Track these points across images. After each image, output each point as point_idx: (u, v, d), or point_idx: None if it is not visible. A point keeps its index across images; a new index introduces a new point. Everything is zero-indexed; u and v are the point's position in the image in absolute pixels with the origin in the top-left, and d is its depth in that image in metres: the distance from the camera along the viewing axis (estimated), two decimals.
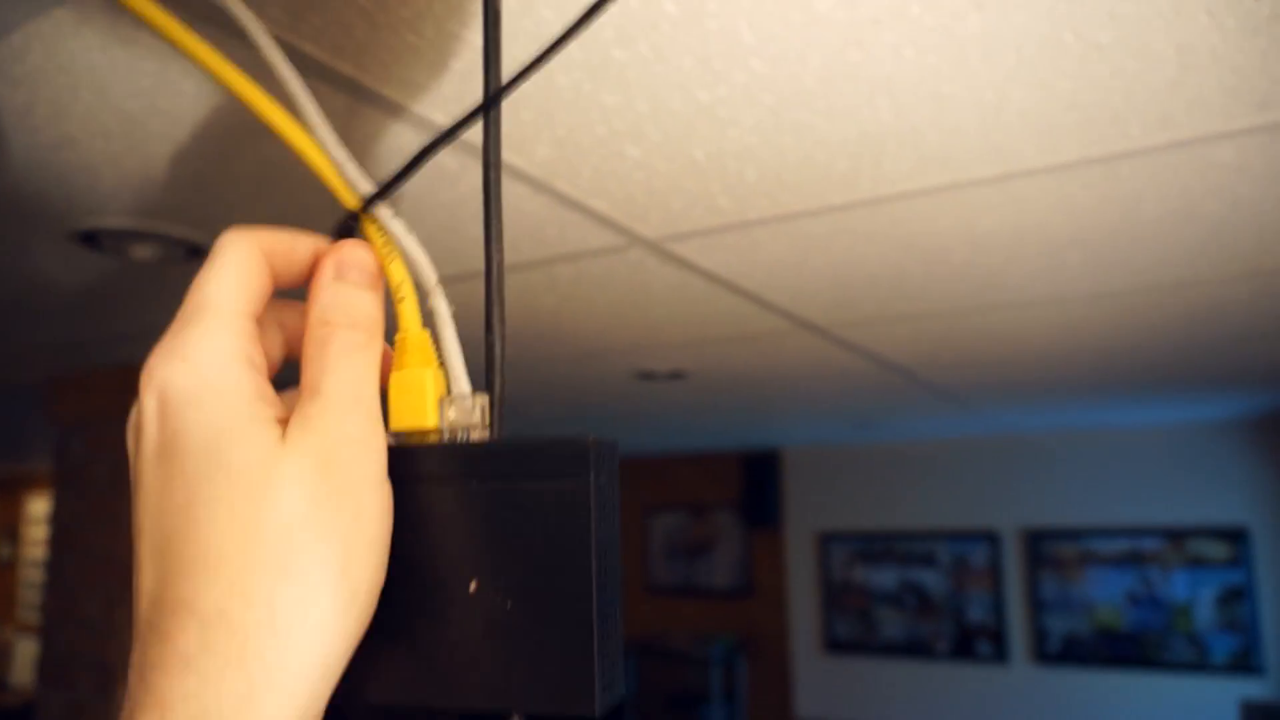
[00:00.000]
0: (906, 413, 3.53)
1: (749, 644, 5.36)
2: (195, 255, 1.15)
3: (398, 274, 0.40)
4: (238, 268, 0.36)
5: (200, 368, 0.34)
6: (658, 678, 5.46)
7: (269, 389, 0.36)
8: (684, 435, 4.49)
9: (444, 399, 0.39)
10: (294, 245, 0.38)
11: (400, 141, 0.84)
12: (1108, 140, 0.87)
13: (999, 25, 0.66)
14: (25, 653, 6.60)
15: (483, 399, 0.39)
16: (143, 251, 1.09)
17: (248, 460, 0.33)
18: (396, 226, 0.41)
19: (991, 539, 4.82)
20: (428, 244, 1.14)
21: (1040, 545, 4.69)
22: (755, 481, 5.35)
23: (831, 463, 5.25)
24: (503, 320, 0.41)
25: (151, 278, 1.30)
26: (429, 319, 0.41)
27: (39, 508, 6.88)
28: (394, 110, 0.77)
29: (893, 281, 1.40)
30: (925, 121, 0.82)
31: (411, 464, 0.36)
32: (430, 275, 0.41)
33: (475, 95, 0.75)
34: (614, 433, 4.15)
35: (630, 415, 3.24)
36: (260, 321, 0.38)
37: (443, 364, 0.40)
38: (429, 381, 0.38)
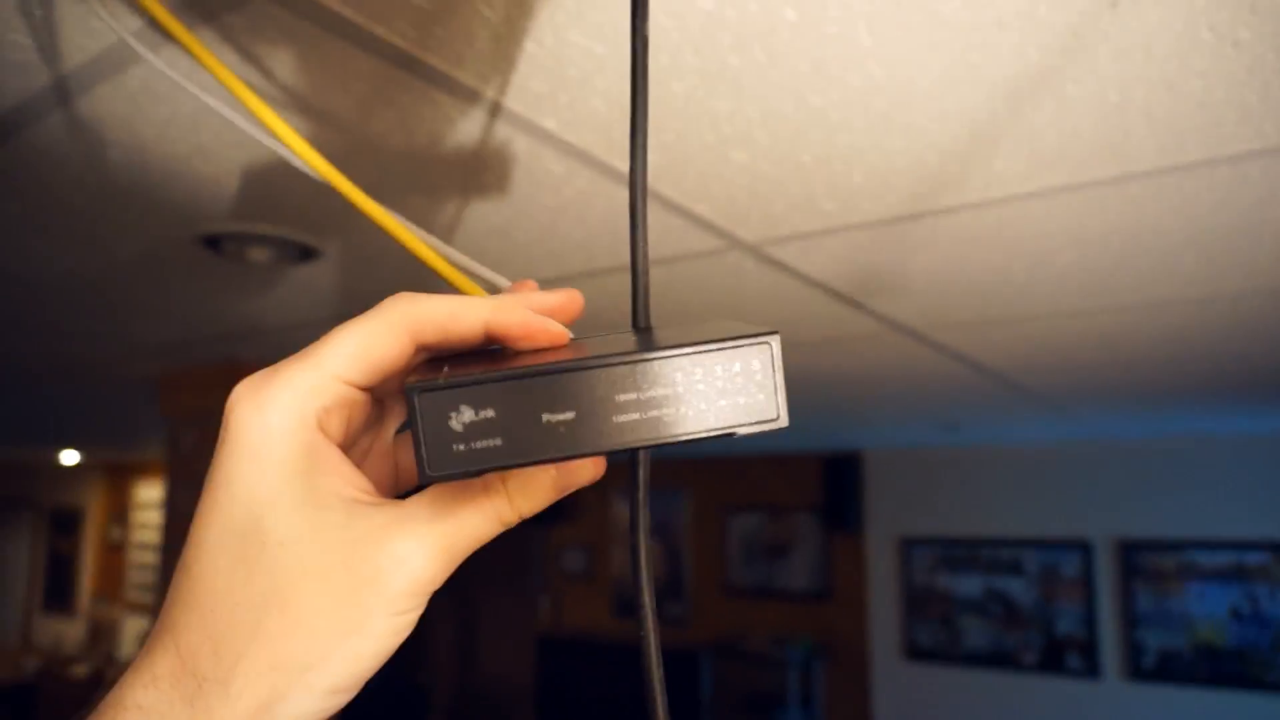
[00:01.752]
0: (997, 416, 3.43)
1: (827, 648, 5.29)
2: (308, 256, 1.19)
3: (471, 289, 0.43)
4: (367, 334, 0.36)
5: (265, 414, 0.35)
6: (735, 678, 5.43)
7: (332, 455, 0.36)
8: (765, 436, 4.46)
9: None
10: (456, 315, 0.37)
11: (515, 148, 0.86)
12: (1237, 139, 0.84)
13: (1132, 23, 0.64)
14: (132, 630, 6.95)
15: None
16: (259, 254, 1.14)
17: (255, 521, 0.34)
18: None
19: (1083, 548, 4.65)
20: (529, 247, 1.16)
21: (1135, 556, 4.51)
22: (835, 484, 5.28)
23: (915, 466, 5.15)
24: (647, 307, 0.43)
25: (263, 278, 1.35)
26: None
27: (147, 493, 7.24)
28: (511, 118, 0.79)
29: (994, 285, 1.36)
30: (1044, 123, 0.80)
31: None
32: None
33: (589, 104, 0.76)
34: None
35: None
36: (379, 394, 0.38)
37: None
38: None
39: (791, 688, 5.06)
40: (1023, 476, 4.85)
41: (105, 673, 6.60)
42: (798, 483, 5.56)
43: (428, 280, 1.29)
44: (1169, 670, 4.38)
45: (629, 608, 6.17)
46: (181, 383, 2.30)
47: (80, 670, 6.80)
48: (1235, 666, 4.25)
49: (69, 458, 6.59)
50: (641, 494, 0.42)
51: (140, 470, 7.34)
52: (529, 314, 0.37)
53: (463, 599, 6.93)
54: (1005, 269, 1.28)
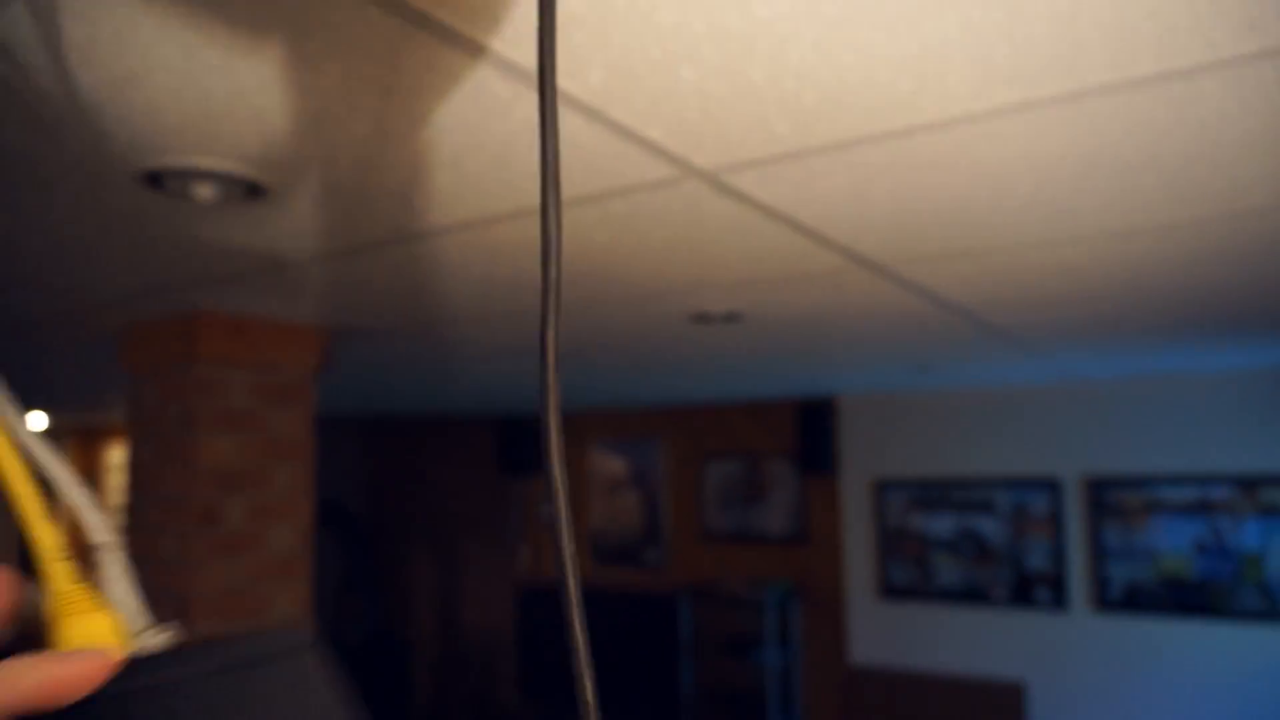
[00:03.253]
0: (966, 357, 3.46)
1: (803, 590, 5.39)
2: (254, 194, 1.16)
3: (47, 538, 0.39)
4: None
5: None
6: (713, 621, 5.53)
7: None
8: (739, 382, 4.47)
9: (131, 635, 0.39)
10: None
11: (456, 67, 0.83)
12: (1190, 51, 0.83)
13: None
14: None
15: (167, 631, 0.39)
16: (204, 191, 1.11)
17: None
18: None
19: (1053, 486, 4.73)
20: (479, 181, 1.14)
21: (1104, 493, 4.60)
22: (810, 429, 5.32)
23: (888, 410, 5.20)
24: (559, 259, 0.41)
25: (212, 220, 1.32)
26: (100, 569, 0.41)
27: (117, 456, 7.18)
28: (450, 37, 0.76)
29: (956, 213, 1.36)
30: (995, 34, 0.78)
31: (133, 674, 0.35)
32: (100, 530, 0.41)
33: (529, 18, 0.73)
34: (669, 379, 4.16)
35: (685, 361, 3.23)
36: None
37: (117, 607, 0.39)
38: (107, 624, 0.38)
39: (769, 628, 5.15)
40: (993, 418, 4.91)
41: None
42: (773, 429, 5.60)
43: (377, 212, 1.27)
44: (1135, 601, 4.49)
45: (610, 555, 6.23)
46: (141, 336, 2.26)
47: None
48: (1199, 597, 4.37)
49: (37, 422, 6.50)
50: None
51: (109, 433, 7.27)
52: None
53: (443, 552, 6.98)
54: (966, 197, 1.27)
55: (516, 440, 6.47)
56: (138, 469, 2.25)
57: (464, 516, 6.94)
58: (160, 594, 2.10)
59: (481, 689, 6.60)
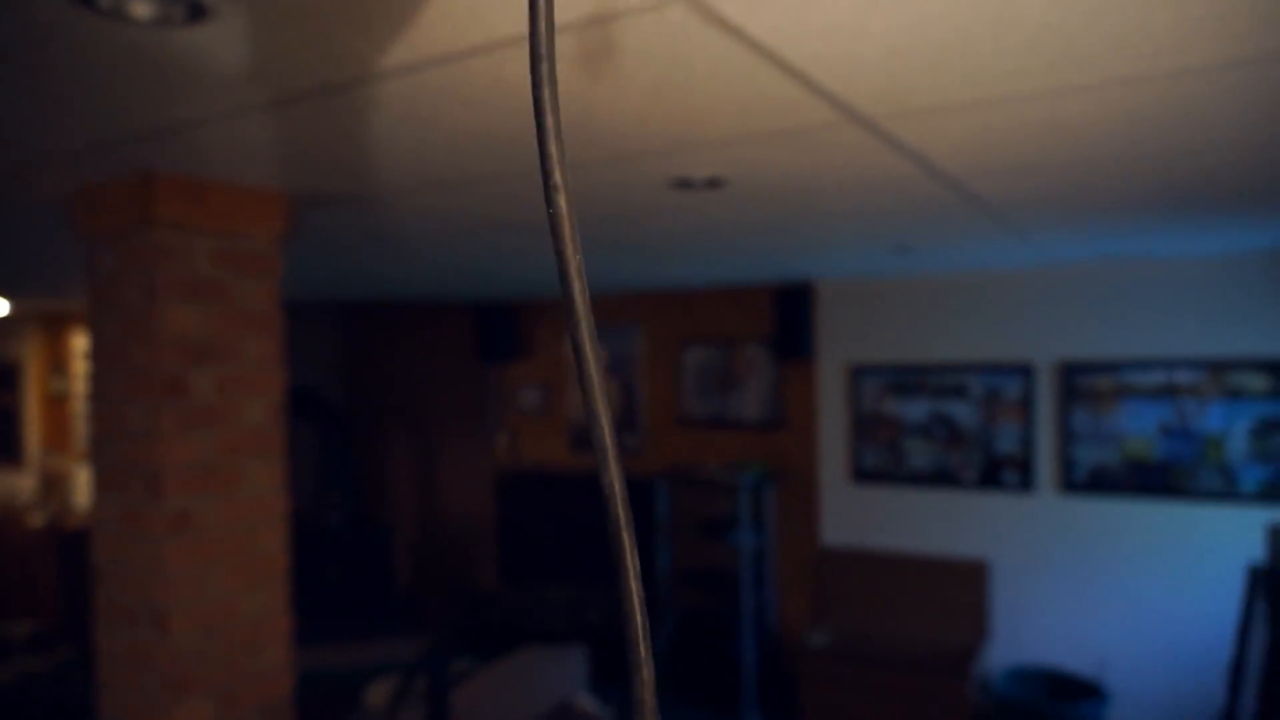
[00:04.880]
0: (947, 235, 3.41)
1: (778, 474, 5.47)
2: (197, 16, 1.06)
3: None
4: None
5: None
6: (689, 504, 5.62)
7: None
8: (718, 265, 4.41)
9: None
10: None
11: None
12: None
13: None
14: (83, 479, 6.93)
15: None
16: (140, 7, 1.00)
17: None
18: None
19: (1025, 371, 4.78)
20: (448, 2, 1.03)
21: (1074, 378, 4.65)
22: (787, 314, 5.30)
23: (865, 296, 5.17)
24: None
25: (155, 49, 1.21)
26: None
27: (81, 344, 7.04)
28: None
29: (957, 52, 1.28)
30: None
31: None
32: None
33: None
34: (648, 261, 4.08)
35: (665, 234, 3.15)
36: None
37: None
38: None
39: (744, 510, 5.25)
40: (969, 304, 4.90)
41: (61, 521, 6.61)
42: (750, 314, 5.58)
43: (335, 40, 1.17)
44: (1099, 483, 4.61)
45: (586, 442, 6.28)
46: (96, 199, 2.15)
47: (36, 519, 6.80)
48: (1161, 478, 4.48)
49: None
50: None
51: (75, 320, 7.12)
52: None
53: (421, 439, 7.00)
54: (968, 29, 1.19)
55: (494, 327, 6.41)
56: (100, 340, 2.18)
57: (442, 403, 6.93)
58: (131, 468, 2.06)
59: (461, 571, 6.74)
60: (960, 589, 4.90)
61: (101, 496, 2.14)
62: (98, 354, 2.18)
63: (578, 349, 0.43)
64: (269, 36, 1.15)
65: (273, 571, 2.17)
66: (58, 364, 7.35)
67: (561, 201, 0.42)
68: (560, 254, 0.44)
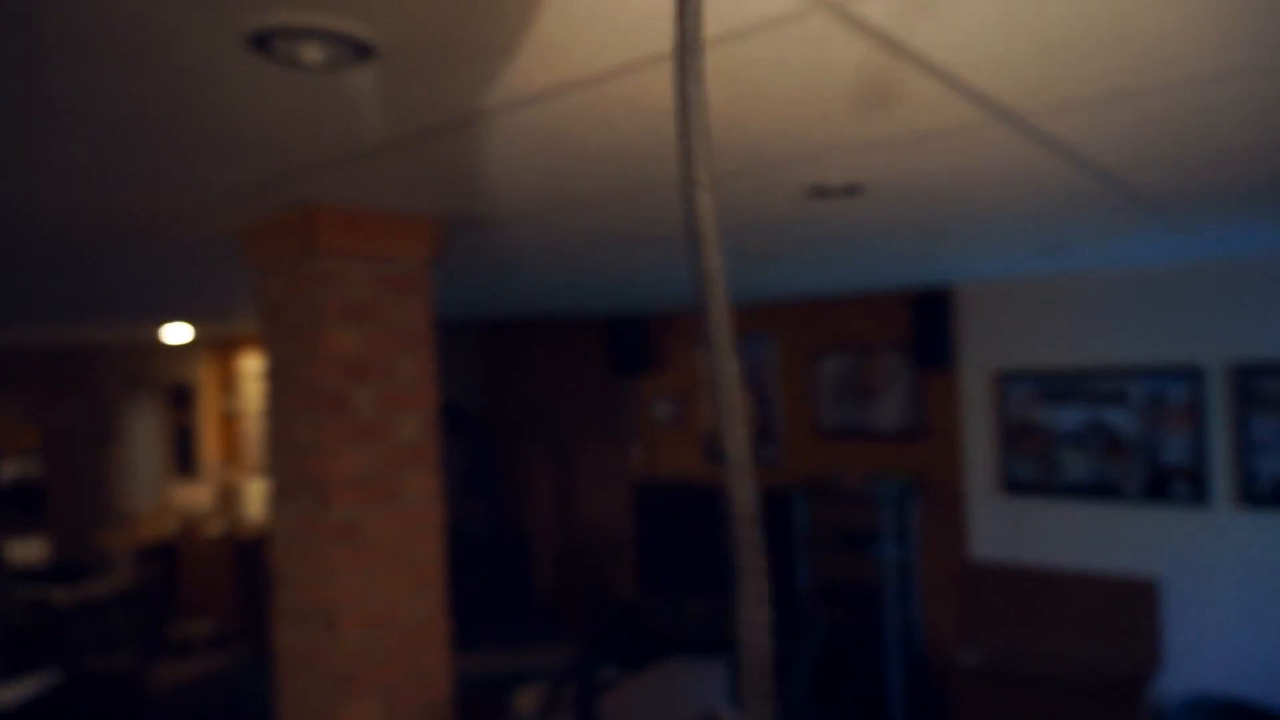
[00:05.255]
0: (1101, 233, 3.22)
1: (920, 485, 5.30)
2: (364, 55, 1.13)
3: None
4: None
5: None
6: (828, 516, 5.51)
7: None
8: (852, 272, 4.32)
9: None
10: None
11: None
12: None
13: None
14: (254, 491, 7.46)
15: None
16: (312, 52, 1.08)
17: None
18: None
19: (1193, 375, 4.44)
20: (590, 25, 1.07)
21: (1252, 381, 4.29)
22: (925, 321, 5.13)
23: (1010, 298, 4.95)
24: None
25: (320, 88, 1.30)
26: None
27: (249, 365, 7.60)
28: None
29: (1114, 38, 1.21)
30: None
31: None
32: None
33: None
34: (781, 271, 4.03)
35: (799, 245, 3.12)
36: None
37: None
38: None
39: (886, 523, 5.10)
40: (1127, 303, 4.61)
41: (236, 530, 7.13)
42: (886, 322, 5.43)
43: (486, 69, 1.22)
44: None
45: (722, 454, 6.26)
46: (262, 232, 2.32)
47: (214, 528, 7.36)
48: None
49: (178, 334, 6.92)
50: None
51: (243, 343, 7.68)
52: None
53: (558, 451, 7.17)
54: (1128, 12, 1.12)
55: (625, 340, 6.51)
56: (272, 360, 2.35)
57: (578, 416, 7.08)
58: (301, 479, 2.21)
59: (600, 580, 6.84)
60: (1126, 609, 4.59)
61: (278, 505, 2.30)
62: (271, 373, 2.35)
63: (714, 348, 0.42)
64: (426, 71, 1.22)
65: (430, 577, 2.28)
66: (228, 384, 7.95)
67: (704, 199, 0.42)
68: (700, 255, 0.44)
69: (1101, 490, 4.70)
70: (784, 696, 4.81)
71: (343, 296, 2.19)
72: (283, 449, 2.28)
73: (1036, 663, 4.66)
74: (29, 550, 9.25)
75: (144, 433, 9.17)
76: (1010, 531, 4.98)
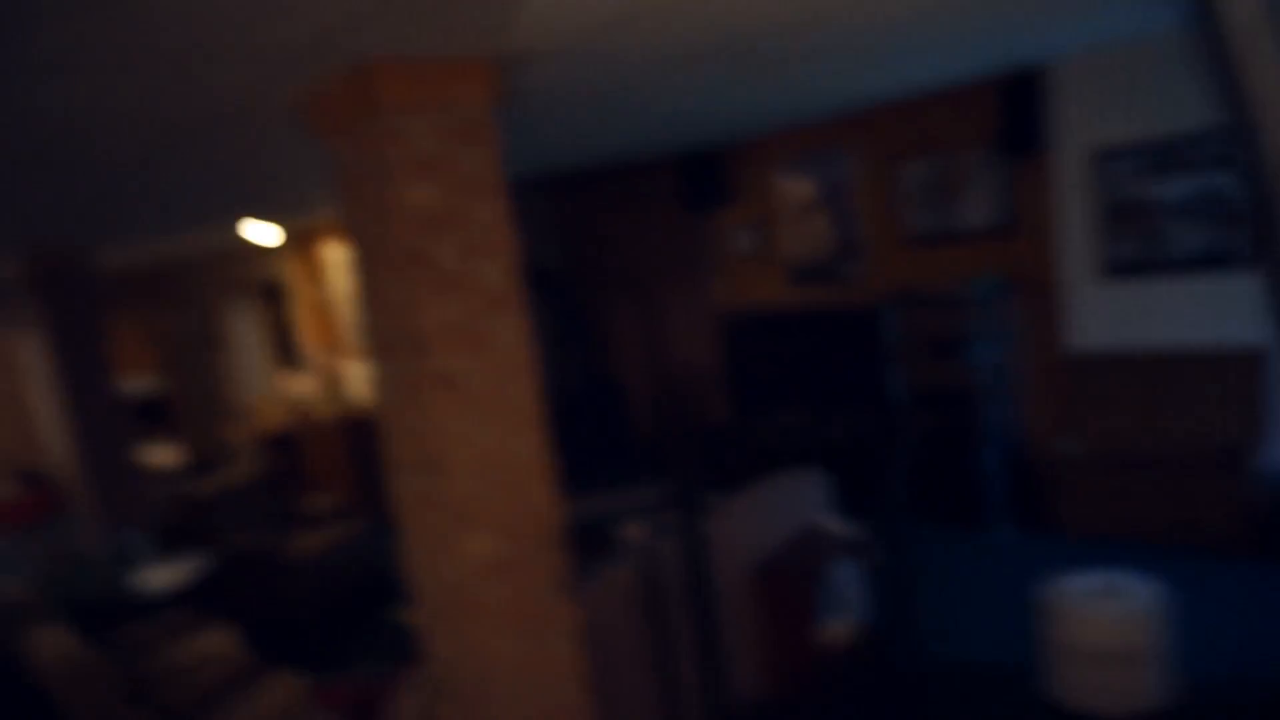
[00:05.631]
0: None
1: (1013, 282, 5.13)
2: None
3: None
4: None
5: None
6: (919, 325, 5.43)
7: None
8: (929, 61, 4.06)
9: None
10: None
11: None
12: None
13: None
14: (354, 374, 7.79)
15: None
16: None
17: None
18: None
19: None
20: None
21: None
22: (1015, 107, 4.82)
23: (1105, 71, 4.58)
24: None
25: None
26: None
27: (332, 254, 7.76)
28: None
29: None
30: None
31: None
32: None
33: None
34: (851, 73, 3.74)
35: (869, 29, 2.92)
36: None
37: None
38: None
39: (978, 324, 5.00)
40: None
41: (345, 412, 7.49)
42: (969, 116, 5.13)
43: None
44: None
45: (805, 277, 6.18)
46: (322, 99, 2.30)
47: (323, 413, 7.76)
48: None
49: (264, 233, 7.06)
50: None
51: (322, 234, 7.82)
52: None
53: (643, 296, 7.20)
54: None
55: (697, 176, 6.36)
56: (353, 225, 2.37)
57: (658, 258, 7.06)
58: (397, 335, 2.27)
59: (695, 416, 6.99)
60: (1231, 382, 4.44)
61: (380, 365, 2.38)
62: (355, 237, 2.38)
63: None
64: None
65: (529, 418, 2.35)
66: (315, 276, 8.17)
67: None
68: None
69: (1211, 261, 4.47)
70: (880, 499, 4.91)
71: (411, 151, 2.17)
72: (376, 310, 2.34)
73: (1138, 445, 4.60)
74: (165, 455, 9.98)
75: (246, 333, 9.58)
76: (1110, 317, 4.82)
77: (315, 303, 8.27)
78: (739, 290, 6.60)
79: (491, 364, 2.28)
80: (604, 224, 7.33)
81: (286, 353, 8.92)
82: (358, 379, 7.77)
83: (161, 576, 4.78)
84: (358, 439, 7.03)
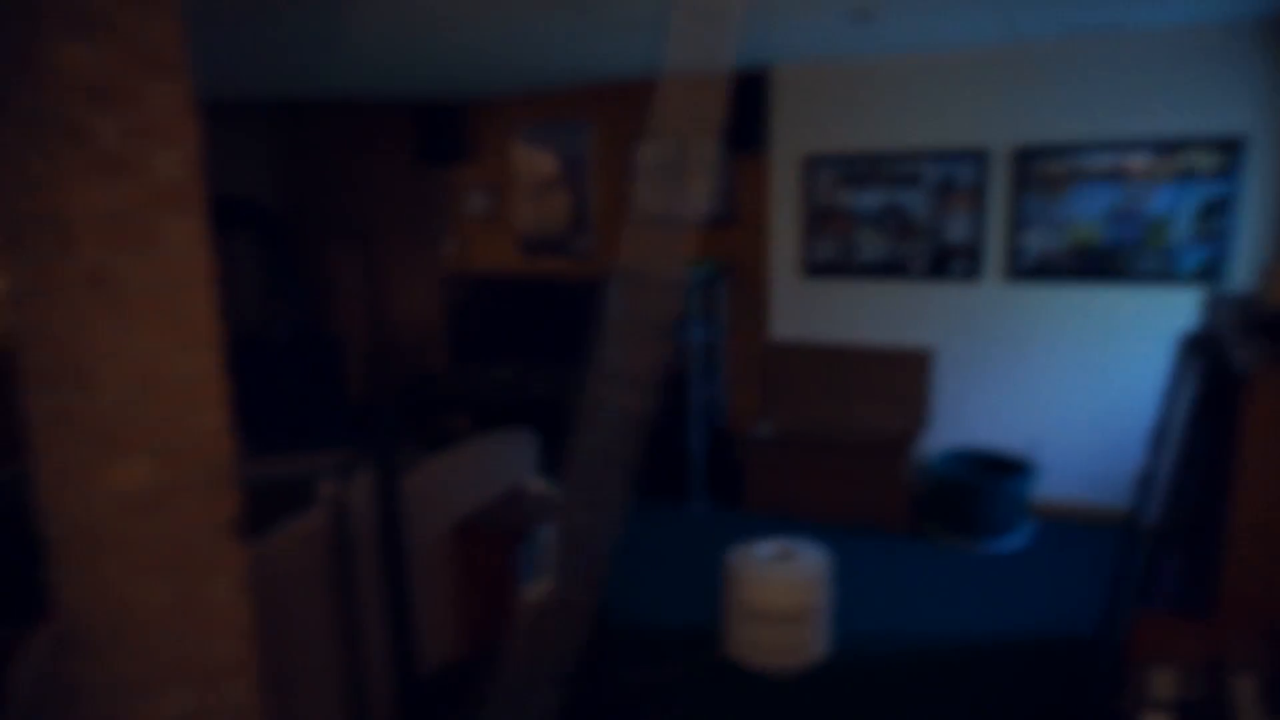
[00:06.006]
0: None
1: (730, 271, 5.46)
2: None
3: None
4: None
5: None
6: (642, 302, 5.62)
7: None
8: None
9: None
10: None
11: None
12: None
13: None
14: None
15: None
16: None
17: None
18: None
19: (980, 158, 4.72)
20: None
21: (1030, 163, 4.61)
22: (742, 104, 5.12)
23: (822, 81, 4.99)
24: None
25: None
26: None
27: None
28: None
29: None
30: None
31: None
32: None
33: None
34: (598, 40, 3.74)
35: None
36: None
37: None
38: None
39: (693, 307, 5.26)
40: (928, 87, 4.76)
41: None
42: (699, 105, 5.37)
43: None
44: (1044, 269, 4.66)
45: (537, 247, 6.17)
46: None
47: None
48: (1104, 263, 4.54)
49: None
50: None
51: None
52: None
53: (366, 247, 6.83)
54: None
55: (437, 127, 6.13)
56: None
57: (387, 210, 6.72)
58: (38, 221, 1.93)
59: (412, 375, 6.76)
60: (904, 378, 5.04)
61: (12, 256, 2.02)
62: None
63: None
64: None
65: (202, 334, 2.10)
66: None
67: None
68: None
69: (891, 269, 5.02)
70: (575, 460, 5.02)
71: (70, 2, 1.85)
72: (9, 188, 1.98)
73: (824, 430, 5.09)
74: None
75: None
76: (809, 312, 5.27)
77: None
78: (469, 253, 6.46)
79: (157, 267, 2.01)
80: (331, 165, 6.87)
81: None
82: None
83: None
84: None
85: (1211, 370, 2.79)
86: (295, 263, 6.82)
